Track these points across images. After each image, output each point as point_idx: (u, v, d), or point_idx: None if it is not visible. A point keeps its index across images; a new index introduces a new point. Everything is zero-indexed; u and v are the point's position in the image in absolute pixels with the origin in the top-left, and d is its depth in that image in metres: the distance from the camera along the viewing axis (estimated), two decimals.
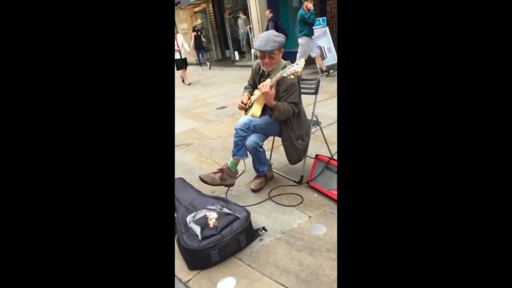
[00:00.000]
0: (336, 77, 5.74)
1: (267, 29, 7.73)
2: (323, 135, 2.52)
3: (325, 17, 6.89)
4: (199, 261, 1.65)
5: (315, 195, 2.20)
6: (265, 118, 2.18)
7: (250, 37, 10.33)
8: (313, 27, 6.16)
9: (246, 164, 2.47)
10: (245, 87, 2.50)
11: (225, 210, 1.86)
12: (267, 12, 7.91)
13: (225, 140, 3.55)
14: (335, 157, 2.33)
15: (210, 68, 10.65)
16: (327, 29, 6.72)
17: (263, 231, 1.87)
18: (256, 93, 2.29)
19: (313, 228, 1.86)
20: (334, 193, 2.08)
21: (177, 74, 7.65)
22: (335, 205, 2.04)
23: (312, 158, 2.39)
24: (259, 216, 2.04)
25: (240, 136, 2.15)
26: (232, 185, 2.28)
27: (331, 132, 3.21)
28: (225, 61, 12.55)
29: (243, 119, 2.19)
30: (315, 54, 6.18)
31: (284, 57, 2.25)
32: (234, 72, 9.14)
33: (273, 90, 2.03)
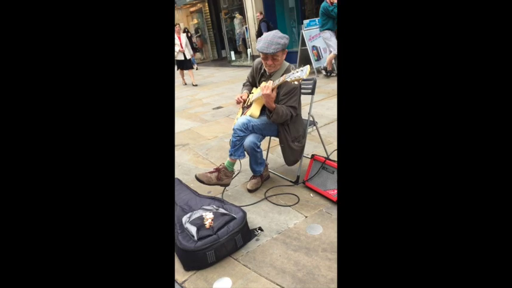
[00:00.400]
0: (334, 78, 5.74)
1: (259, 31, 7.72)
2: (319, 135, 2.53)
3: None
4: (195, 261, 1.64)
5: (311, 195, 2.20)
6: (264, 119, 2.18)
7: (246, 37, 10.34)
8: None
9: (242, 164, 2.47)
10: (244, 84, 2.49)
11: (221, 210, 1.86)
12: (257, 14, 7.91)
13: (221, 140, 3.55)
14: (331, 157, 2.33)
15: (197, 69, 10.69)
16: None
17: (259, 231, 1.87)
18: (256, 92, 2.28)
19: (310, 228, 1.86)
20: (330, 193, 2.08)
21: (177, 74, 7.59)
22: (331, 205, 2.04)
23: (308, 158, 2.40)
24: (256, 217, 2.04)
25: (238, 136, 2.15)
26: (228, 184, 2.27)
27: (327, 132, 3.22)
28: (221, 61, 12.55)
29: (241, 119, 2.18)
30: (335, 51, 5.54)
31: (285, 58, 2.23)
32: (230, 72, 9.13)
33: (274, 93, 2.02)
